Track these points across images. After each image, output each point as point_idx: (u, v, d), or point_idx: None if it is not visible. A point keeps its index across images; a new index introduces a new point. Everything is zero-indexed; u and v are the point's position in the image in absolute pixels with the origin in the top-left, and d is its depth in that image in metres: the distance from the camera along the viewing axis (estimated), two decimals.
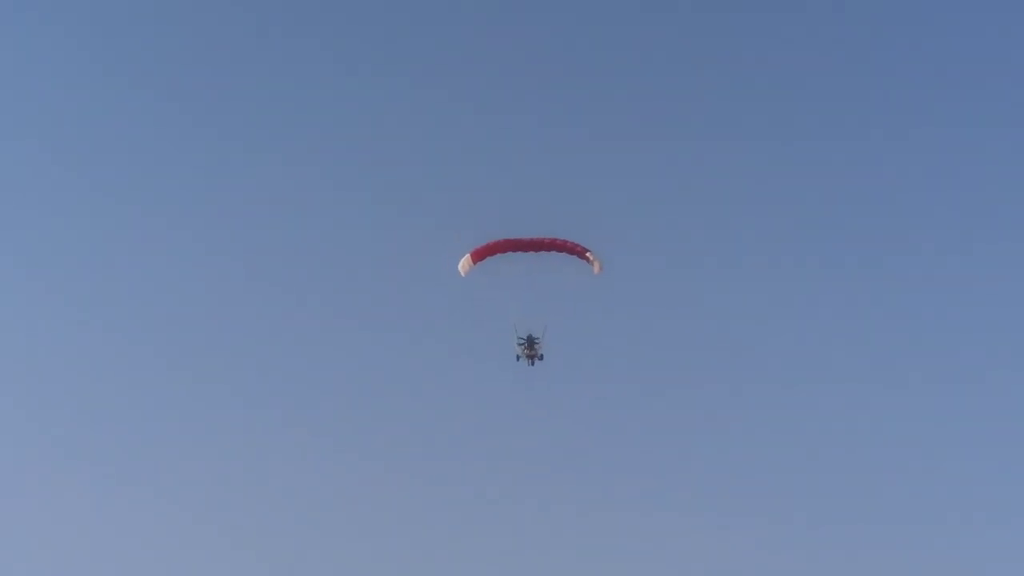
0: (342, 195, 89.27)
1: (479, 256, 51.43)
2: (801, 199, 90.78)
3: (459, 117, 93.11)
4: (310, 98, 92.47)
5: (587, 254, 51.10)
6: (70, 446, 75.26)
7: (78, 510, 72.34)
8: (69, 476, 73.68)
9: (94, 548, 69.85)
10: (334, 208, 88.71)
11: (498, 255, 51.33)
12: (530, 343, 52.96)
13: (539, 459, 73.77)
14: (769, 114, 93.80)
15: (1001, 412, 77.91)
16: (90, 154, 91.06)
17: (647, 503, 71.91)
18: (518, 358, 53.31)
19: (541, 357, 53.16)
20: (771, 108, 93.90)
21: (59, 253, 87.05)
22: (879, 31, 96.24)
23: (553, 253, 51.12)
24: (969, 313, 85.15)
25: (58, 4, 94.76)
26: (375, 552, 69.52)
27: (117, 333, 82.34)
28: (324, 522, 71.29)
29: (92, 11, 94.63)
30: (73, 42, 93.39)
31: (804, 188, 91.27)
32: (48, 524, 71.10)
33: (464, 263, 51.71)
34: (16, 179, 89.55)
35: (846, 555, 70.05)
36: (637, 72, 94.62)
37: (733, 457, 75.07)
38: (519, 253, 51.21)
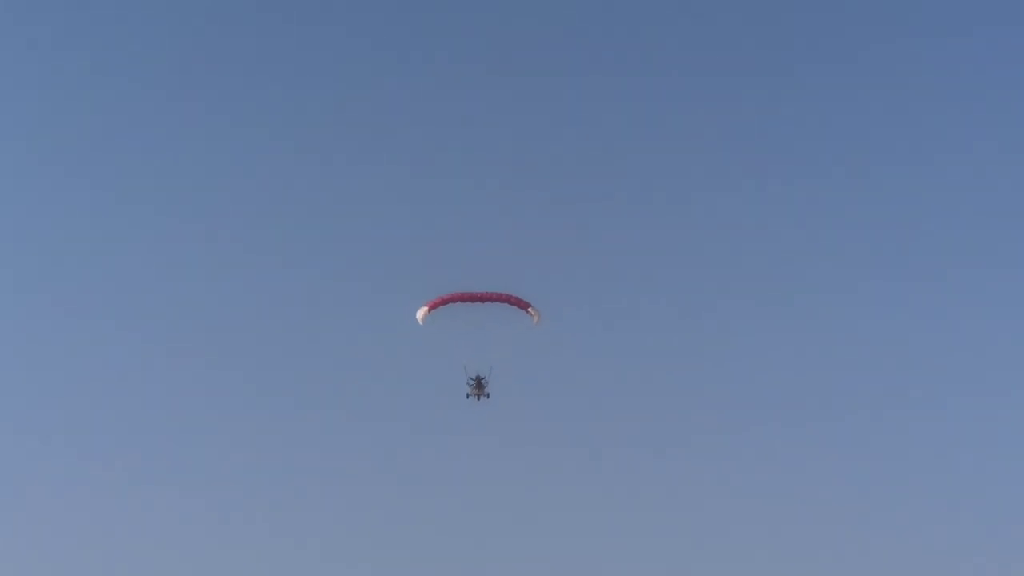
0: (321, 250, 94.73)
1: (434, 306, 57.41)
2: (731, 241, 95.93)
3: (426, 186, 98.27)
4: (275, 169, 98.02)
5: (528, 308, 57.45)
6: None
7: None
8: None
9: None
10: (304, 261, 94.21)
11: (450, 305, 57.07)
12: (478, 383, 59.23)
13: (486, 481, 79.77)
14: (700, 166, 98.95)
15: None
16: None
17: (584, 519, 77.85)
18: (468, 396, 59.50)
19: (488, 395, 59.45)
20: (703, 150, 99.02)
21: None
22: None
23: (499, 305, 56.99)
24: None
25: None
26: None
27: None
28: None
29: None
30: None
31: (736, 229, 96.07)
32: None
33: (421, 313, 57.74)
34: None
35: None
36: (581, 133, 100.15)
37: (661, 481, 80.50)
38: (469, 304, 56.95)
